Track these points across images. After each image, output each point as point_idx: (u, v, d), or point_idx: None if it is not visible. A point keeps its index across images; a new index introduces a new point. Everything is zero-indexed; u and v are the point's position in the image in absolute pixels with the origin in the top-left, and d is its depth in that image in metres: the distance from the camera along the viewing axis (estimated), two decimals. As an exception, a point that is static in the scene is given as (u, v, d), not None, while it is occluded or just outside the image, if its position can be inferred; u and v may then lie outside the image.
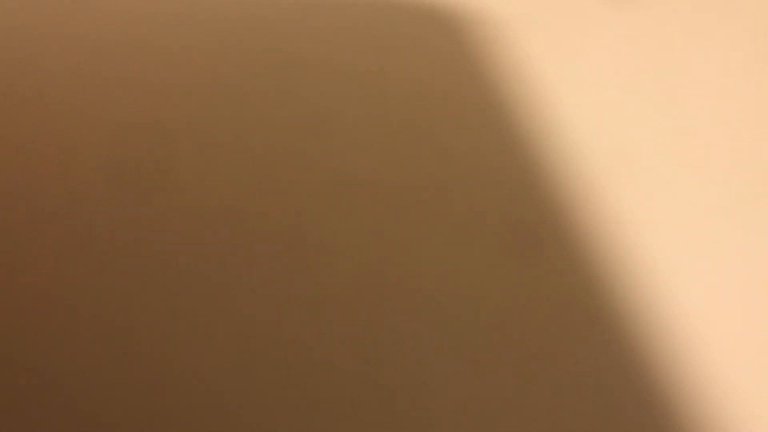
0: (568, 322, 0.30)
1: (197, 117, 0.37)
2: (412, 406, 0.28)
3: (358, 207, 0.34)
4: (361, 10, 0.41)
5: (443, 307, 0.31)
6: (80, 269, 0.32)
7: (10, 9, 0.41)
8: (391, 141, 0.36)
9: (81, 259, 0.32)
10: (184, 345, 0.30)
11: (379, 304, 0.31)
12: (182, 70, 0.38)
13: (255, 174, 0.35)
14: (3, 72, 0.38)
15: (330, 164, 0.35)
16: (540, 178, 0.35)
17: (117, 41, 0.40)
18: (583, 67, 0.39)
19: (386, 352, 0.30)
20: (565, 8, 0.41)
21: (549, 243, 0.33)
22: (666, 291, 0.31)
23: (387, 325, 0.30)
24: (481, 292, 0.31)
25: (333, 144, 0.36)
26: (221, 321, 0.30)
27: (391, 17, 0.41)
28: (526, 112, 0.37)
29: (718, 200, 0.34)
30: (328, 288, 0.31)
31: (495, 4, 0.42)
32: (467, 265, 0.32)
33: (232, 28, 0.40)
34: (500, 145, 0.36)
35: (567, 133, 0.36)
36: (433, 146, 0.36)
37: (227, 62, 0.39)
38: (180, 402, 0.28)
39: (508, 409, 0.28)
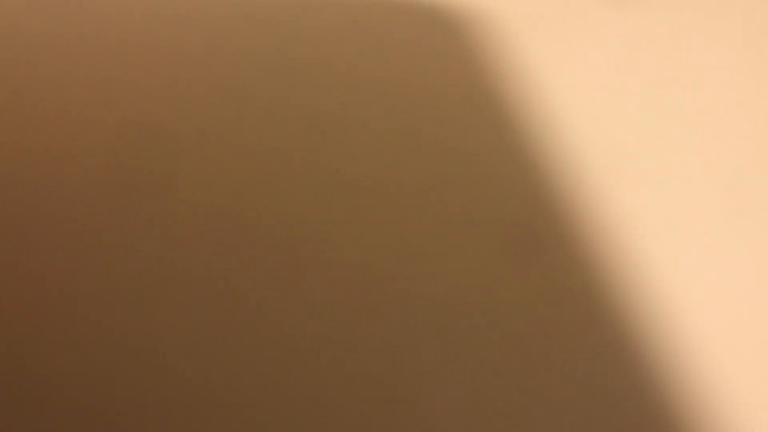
0: (568, 323, 0.30)
1: (197, 117, 0.37)
2: (411, 407, 0.28)
3: (357, 207, 0.34)
4: (361, 10, 0.41)
5: (442, 308, 0.31)
6: (79, 270, 0.32)
7: (10, 9, 0.41)
8: (391, 141, 0.36)
9: (80, 260, 0.32)
10: (184, 345, 0.30)
11: (377, 304, 0.31)
12: (182, 70, 0.38)
13: (254, 174, 0.35)
14: (2, 72, 0.38)
15: (329, 164, 0.35)
16: (539, 178, 0.35)
17: (117, 41, 0.40)
18: (583, 67, 0.39)
19: (385, 352, 0.30)
20: (565, 8, 0.41)
21: (548, 243, 0.33)
22: (666, 291, 0.31)
23: (386, 326, 0.30)
24: (481, 292, 0.31)
25: (332, 144, 0.36)
26: (220, 321, 0.30)
27: (391, 17, 0.41)
28: (526, 112, 0.37)
29: (719, 200, 0.34)
30: (327, 288, 0.31)
31: (495, 4, 0.41)
32: (466, 266, 0.32)
33: (232, 28, 0.40)
34: (500, 145, 0.36)
35: (567, 133, 0.36)
36: (432, 146, 0.36)
37: (227, 62, 0.39)
38: (179, 402, 0.28)
39: (507, 410, 0.28)
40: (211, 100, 0.37)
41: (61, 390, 0.29)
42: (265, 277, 0.32)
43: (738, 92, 0.38)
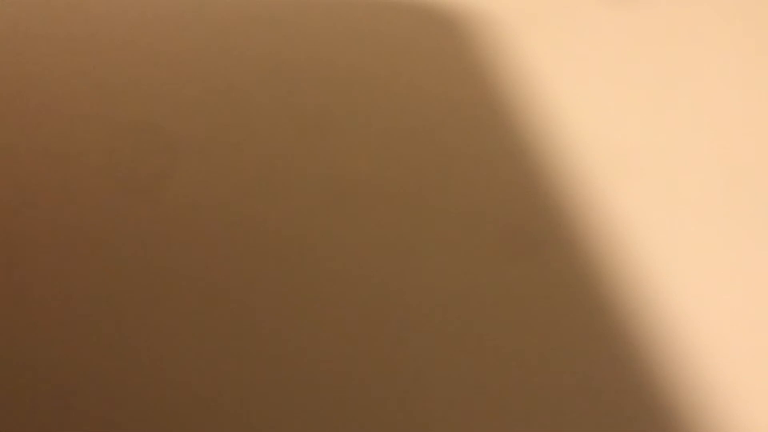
0: (569, 325, 0.30)
1: (195, 118, 0.37)
2: (410, 408, 0.28)
3: (357, 209, 0.34)
4: (361, 10, 0.41)
5: (442, 309, 0.31)
6: (78, 272, 0.32)
7: (9, 9, 0.41)
8: (390, 142, 0.36)
9: (78, 262, 0.32)
10: (184, 348, 0.30)
11: (377, 306, 0.31)
12: (181, 71, 0.38)
13: (254, 175, 0.35)
14: (2, 72, 0.38)
15: (329, 165, 0.35)
16: (539, 178, 0.35)
17: (116, 41, 0.40)
18: (583, 66, 0.39)
19: (384, 353, 0.30)
20: (565, 8, 0.41)
21: (548, 244, 0.33)
22: (667, 292, 0.31)
23: (385, 328, 0.30)
24: (481, 294, 0.31)
25: (332, 145, 0.36)
26: (221, 323, 0.30)
27: (391, 17, 0.41)
28: (526, 113, 0.37)
29: (720, 201, 0.34)
30: (326, 290, 0.31)
31: (495, 4, 0.41)
32: (466, 267, 0.32)
33: (232, 28, 0.40)
34: (499, 145, 0.36)
35: (567, 133, 0.36)
36: (431, 147, 0.36)
37: (226, 63, 0.39)
38: (178, 404, 0.28)
39: (507, 410, 0.28)
40: (211, 100, 0.37)
41: (56, 391, 0.29)
42: (265, 277, 0.32)
43: (740, 92, 0.38)
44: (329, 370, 0.29)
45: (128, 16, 0.41)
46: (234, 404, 0.29)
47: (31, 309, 0.31)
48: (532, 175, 0.35)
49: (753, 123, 0.37)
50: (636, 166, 0.35)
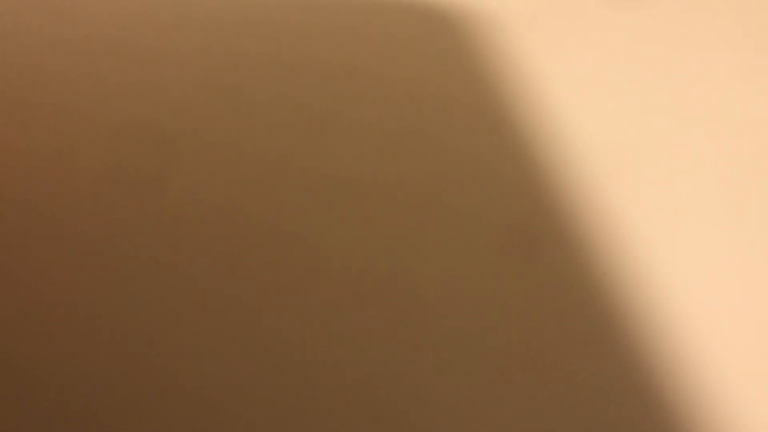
0: (568, 324, 0.30)
1: (196, 118, 0.37)
2: (410, 408, 0.28)
3: (357, 208, 0.34)
4: (361, 10, 0.41)
5: (442, 308, 0.31)
6: (78, 271, 0.32)
7: (9, 9, 0.41)
8: (390, 141, 0.36)
9: (79, 261, 0.32)
10: (183, 347, 0.30)
11: (376, 305, 0.31)
12: (181, 70, 0.38)
13: (254, 174, 0.35)
14: (2, 72, 0.38)
15: (329, 165, 0.35)
16: (539, 179, 0.35)
17: (116, 41, 0.40)
18: (583, 67, 0.39)
19: (384, 353, 0.30)
20: (565, 8, 0.41)
21: (548, 244, 0.33)
22: (667, 293, 0.31)
23: (385, 327, 0.30)
24: (481, 293, 0.31)
25: (332, 144, 0.36)
26: (220, 323, 0.30)
27: (391, 17, 0.41)
28: (526, 113, 0.37)
29: (721, 202, 0.34)
30: (326, 289, 0.31)
31: (495, 4, 0.41)
32: (466, 267, 0.32)
33: (232, 27, 0.40)
34: (500, 145, 0.36)
35: (567, 133, 0.36)
36: (432, 147, 0.36)
37: (226, 62, 0.39)
38: (178, 404, 0.28)
39: (506, 412, 0.28)
40: (211, 100, 0.37)
41: (55, 391, 0.29)
42: (265, 277, 0.32)
43: (740, 92, 0.38)
44: (328, 367, 0.29)
45: (128, 16, 0.41)
46: (232, 401, 0.29)
47: (32, 308, 0.31)
48: (532, 175, 0.35)
49: (753, 123, 0.37)
50: (636, 166, 0.35)
